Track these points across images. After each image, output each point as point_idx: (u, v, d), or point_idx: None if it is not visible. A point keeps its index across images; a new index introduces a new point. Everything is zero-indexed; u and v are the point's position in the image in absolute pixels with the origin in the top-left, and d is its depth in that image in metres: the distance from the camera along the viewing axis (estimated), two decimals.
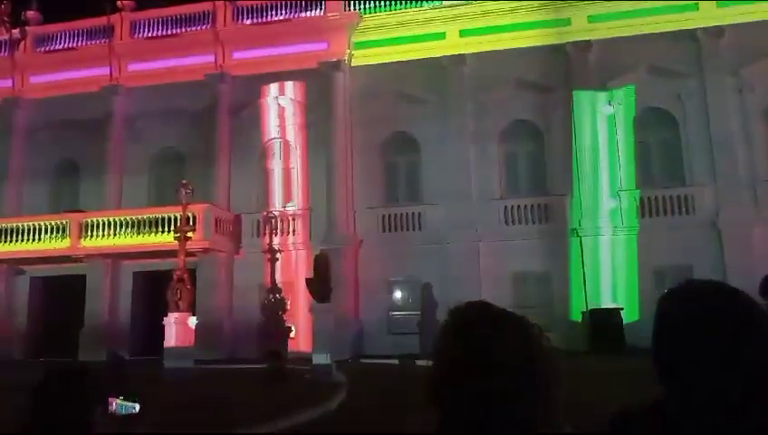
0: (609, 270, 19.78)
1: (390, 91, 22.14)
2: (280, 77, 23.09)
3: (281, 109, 23.55)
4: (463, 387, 1.17)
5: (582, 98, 21.01)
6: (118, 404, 2.15)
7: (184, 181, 19.85)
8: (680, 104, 20.68)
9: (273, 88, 23.31)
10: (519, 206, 21.17)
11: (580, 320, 19.29)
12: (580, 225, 20.34)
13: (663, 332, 1.31)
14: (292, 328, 20.64)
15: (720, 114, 19.96)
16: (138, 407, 2.20)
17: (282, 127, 23.54)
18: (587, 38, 21.22)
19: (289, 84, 23.17)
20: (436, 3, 22.52)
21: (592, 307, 19.09)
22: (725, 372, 1.21)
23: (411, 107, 22.14)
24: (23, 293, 24.50)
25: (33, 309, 24.29)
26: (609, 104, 20.83)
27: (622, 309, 18.60)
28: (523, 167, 21.85)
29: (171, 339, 18.03)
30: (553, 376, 1.21)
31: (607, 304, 19.11)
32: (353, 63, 23.16)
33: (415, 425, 1.28)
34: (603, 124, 20.84)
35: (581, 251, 20.19)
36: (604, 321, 18.05)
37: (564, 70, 21.27)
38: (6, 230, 23.34)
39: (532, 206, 21.09)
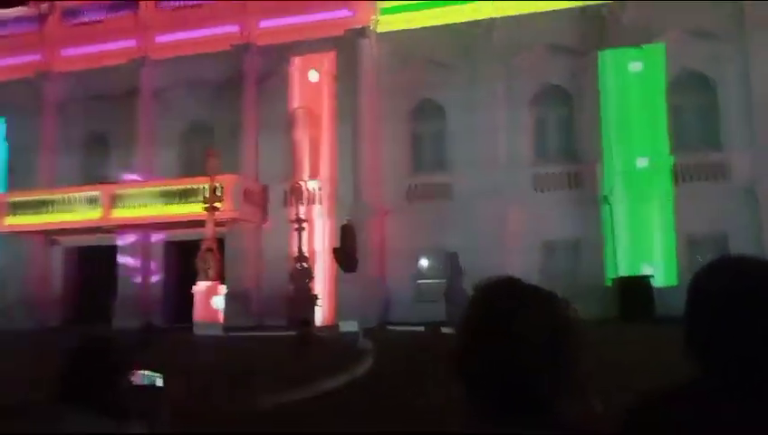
0: (641, 238, 19.40)
1: (417, 58, 21.79)
2: (306, 46, 22.86)
3: (307, 78, 23.39)
4: (484, 357, 1.15)
5: (612, 60, 20.37)
6: (143, 376, 2.16)
7: (212, 152, 19.96)
8: (718, 67, 19.94)
9: (299, 57, 23.12)
10: (549, 173, 20.83)
11: (609, 288, 19.01)
12: (611, 191, 19.94)
13: (700, 308, 1.27)
14: (319, 297, 20.82)
15: (763, 78, 19.18)
16: (161, 380, 2.19)
17: (308, 96, 23.42)
18: None
19: (315, 53, 22.94)
20: None
21: (622, 275, 18.82)
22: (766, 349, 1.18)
23: (439, 73, 21.77)
24: (58, 262, 25.15)
25: (68, 278, 24.94)
26: (638, 62, 20.11)
27: (652, 277, 18.30)
28: (554, 133, 21.42)
29: (201, 307, 18.38)
30: (579, 354, 1.18)
31: (638, 271, 18.80)
32: (379, 30, 22.81)
33: (439, 397, 1.23)
34: (634, 87, 20.22)
35: (612, 218, 19.83)
36: (634, 288, 17.81)
37: (597, 33, 20.63)
38: (41, 202, 23.86)
39: (562, 172, 20.73)
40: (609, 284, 19.19)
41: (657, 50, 20.09)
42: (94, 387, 1.96)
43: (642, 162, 19.85)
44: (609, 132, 20.21)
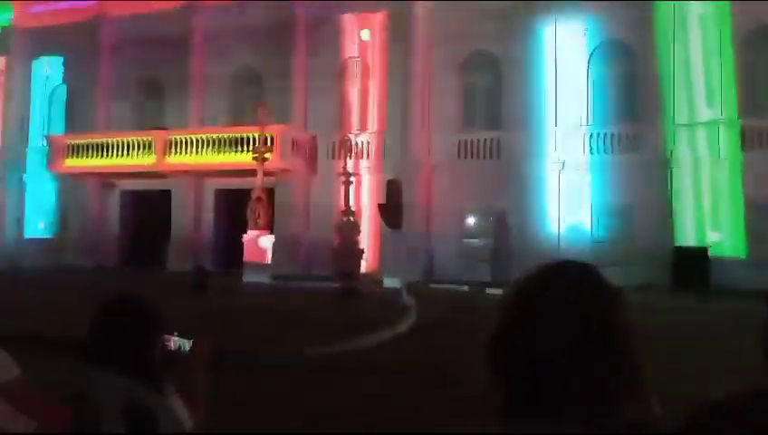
0: (703, 204, 18.60)
1: (473, 7, 20.95)
2: None
3: (359, 27, 22.94)
4: (516, 349, 1.04)
5: (676, 11, 19.15)
6: (175, 341, 2.13)
7: (262, 102, 19.96)
8: None
9: (352, 3, 22.63)
10: (605, 133, 20.03)
11: (666, 256, 18.39)
12: (671, 155, 19.06)
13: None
14: (365, 251, 20.94)
15: None
16: (190, 345, 2.16)
17: (360, 45, 23.02)
18: None
19: (368, 1, 22.38)
20: None
21: (684, 243, 18.16)
22: None
23: (495, 24, 20.90)
24: (114, 205, 26.01)
25: (124, 221, 25.80)
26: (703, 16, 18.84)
27: (710, 248, 17.60)
28: (613, 91, 20.38)
29: (250, 254, 18.76)
30: (629, 348, 1.04)
31: (700, 239, 18.13)
32: None
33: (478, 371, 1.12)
34: (698, 42, 19.00)
35: (671, 183, 19.02)
36: (690, 258, 17.20)
37: None
38: (98, 145, 24.54)
39: (619, 134, 19.89)
40: (664, 253, 18.53)
41: (722, 5, 18.76)
42: (127, 350, 1.93)
43: (706, 125, 18.84)
44: (672, 91, 19.20)
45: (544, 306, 1.04)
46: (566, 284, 1.06)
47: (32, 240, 26.38)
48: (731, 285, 16.07)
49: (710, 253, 17.47)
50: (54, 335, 7.89)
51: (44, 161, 26.04)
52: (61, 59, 27.39)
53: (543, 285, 1.07)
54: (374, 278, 17.12)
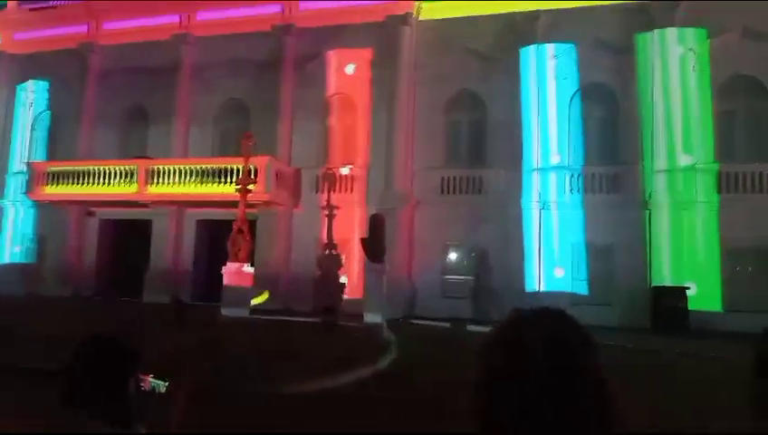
0: (680, 246, 18.83)
1: (458, 48, 21.42)
2: (346, 30, 22.71)
3: (345, 63, 23.27)
4: (496, 396, 1.06)
5: (659, 59, 19.73)
6: (149, 382, 2.08)
7: (247, 134, 20.02)
8: None
9: (339, 42, 23.00)
10: (588, 174, 20.33)
11: (643, 296, 18.55)
12: (650, 197, 19.39)
13: None
14: (346, 285, 20.81)
15: None
16: (165, 386, 2.11)
17: (345, 82, 23.31)
18: None
19: (355, 38, 22.78)
20: None
21: (660, 284, 18.32)
22: None
23: (479, 65, 21.39)
24: (93, 233, 25.66)
25: (103, 250, 25.44)
26: (691, 50, 19.35)
27: (689, 288, 17.77)
28: (594, 132, 20.81)
29: (229, 288, 18.51)
30: (603, 400, 1.05)
31: (674, 281, 18.29)
32: (421, 18, 22.52)
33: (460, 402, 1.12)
34: (681, 90, 19.53)
35: (649, 224, 19.29)
36: (669, 299, 17.32)
37: (645, 30, 19.96)
38: (79, 173, 24.31)
39: (601, 174, 20.21)
40: (641, 294, 18.67)
41: (702, 48, 19.37)
42: (102, 391, 1.88)
43: (684, 169, 19.23)
44: (651, 135, 19.63)
45: (521, 359, 1.05)
46: (543, 336, 1.07)
47: (8, 266, 25.88)
48: (710, 328, 16.24)
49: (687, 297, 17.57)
50: (26, 367, 7.67)
51: (24, 188, 25.73)
52: (46, 85, 27.35)
53: (520, 336, 1.08)
54: (355, 312, 16.97)
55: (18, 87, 27.69)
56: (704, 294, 17.93)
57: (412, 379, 9.41)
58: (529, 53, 21.06)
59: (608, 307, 18.25)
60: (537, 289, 19.66)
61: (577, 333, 1.09)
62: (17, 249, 26.54)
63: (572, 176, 20.47)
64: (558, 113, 20.82)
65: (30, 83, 27.52)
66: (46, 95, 27.45)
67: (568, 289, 19.37)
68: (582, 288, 19.55)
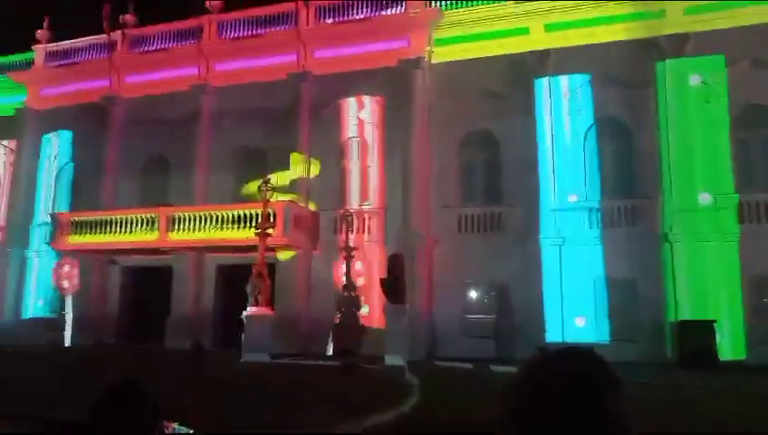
0: (703, 279, 18.50)
1: (470, 88, 21.72)
2: (360, 76, 23.18)
3: (360, 108, 23.68)
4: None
5: (673, 94, 19.79)
6: (174, 429, 2.09)
7: (265, 179, 20.32)
8: None
9: (353, 87, 23.44)
10: (606, 208, 20.22)
11: (668, 331, 18.17)
12: (671, 229, 19.18)
13: None
14: (365, 326, 20.67)
15: None
16: (191, 433, 2.13)
17: (360, 126, 23.67)
18: (684, 30, 19.91)
19: (368, 83, 23.22)
20: None
21: (683, 318, 17.96)
22: None
23: (492, 104, 21.62)
24: (115, 281, 25.94)
25: (125, 297, 25.67)
26: (702, 81, 19.34)
27: (715, 322, 17.39)
28: (611, 167, 20.77)
29: (249, 332, 18.50)
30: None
31: (698, 314, 17.91)
32: (433, 61, 22.93)
33: None
34: (697, 121, 19.48)
35: (672, 257, 19.03)
36: (695, 333, 16.93)
37: (652, 65, 20.11)
38: (102, 222, 24.75)
39: (619, 208, 20.09)
40: (666, 328, 18.30)
41: (719, 79, 19.39)
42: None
43: (704, 200, 19.04)
44: (669, 167, 19.53)
45: (546, 397, 1.06)
46: (568, 374, 1.08)
47: (33, 319, 26.18)
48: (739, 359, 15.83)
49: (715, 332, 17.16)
50: (50, 417, 7.69)
51: (48, 238, 26.20)
52: (69, 137, 28.10)
53: (546, 375, 1.09)
54: (376, 355, 16.81)
55: (43, 139, 28.50)
56: (726, 328, 17.52)
57: (437, 421, 9.25)
58: (542, 89, 21.25)
59: (632, 344, 17.91)
60: (560, 325, 19.37)
61: (602, 372, 1.09)
62: (41, 302, 26.85)
63: (590, 210, 20.36)
64: (573, 147, 20.87)
65: (54, 136, 28.31)
66: (70, 147, 28.18)
67: (591, 324, 19.10)
68: (606, 323, 19.22)
